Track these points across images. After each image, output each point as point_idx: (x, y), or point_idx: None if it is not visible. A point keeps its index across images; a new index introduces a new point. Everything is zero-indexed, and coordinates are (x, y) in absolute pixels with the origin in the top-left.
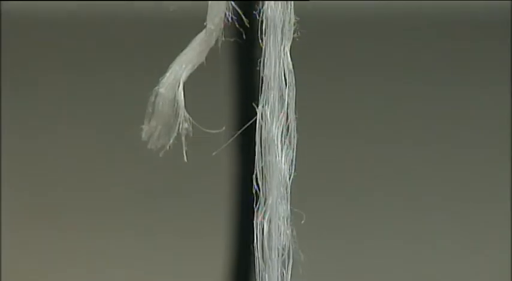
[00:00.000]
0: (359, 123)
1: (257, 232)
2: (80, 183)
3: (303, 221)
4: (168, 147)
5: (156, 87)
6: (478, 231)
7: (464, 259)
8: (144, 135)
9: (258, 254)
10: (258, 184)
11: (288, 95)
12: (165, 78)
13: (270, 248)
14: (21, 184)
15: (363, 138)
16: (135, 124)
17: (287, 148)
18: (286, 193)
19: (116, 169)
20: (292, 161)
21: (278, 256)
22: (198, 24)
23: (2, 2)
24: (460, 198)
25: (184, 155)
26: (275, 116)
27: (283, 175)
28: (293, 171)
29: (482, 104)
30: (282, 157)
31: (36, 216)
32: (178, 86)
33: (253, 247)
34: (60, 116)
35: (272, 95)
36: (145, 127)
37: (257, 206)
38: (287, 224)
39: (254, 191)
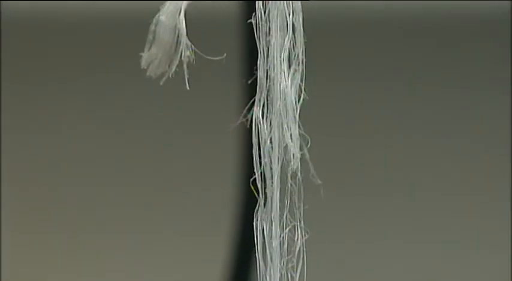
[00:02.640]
0: (358, 124)
1: (257, 233)
2: (79, 182)
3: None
4: (169, 75)
5: (157, 15)
6: (478, 231)
7: (464, 259)
8: (143, 63)
9: (258, 255)
10: (257, 186)
11: (295, 19)
12: (166, 5)
13: (270, 250)
14: (21, 184)
15: (363, 139)
16: (135, 124)
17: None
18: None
19: (116, 169)
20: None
21: (279, 257)
22: (199, 24)
23: (2, 2)
24: (460, 198)
25: (186, 83)
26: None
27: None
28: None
29: (482, 104)
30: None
31: (36, 216)
32: (179, 13)
33: (254, 248)
34: (61, 116)
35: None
36: (145, 55)
37: (257, 207)
38: (286, 225)
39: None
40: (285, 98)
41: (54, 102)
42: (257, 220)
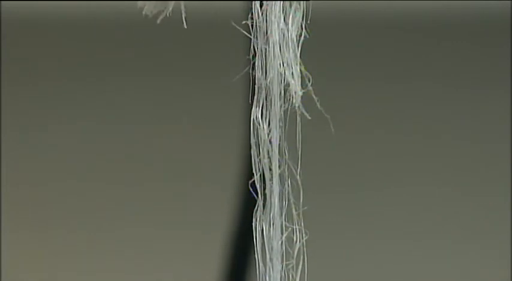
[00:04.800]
0: (359, 124)
1: (257, 234)
2: (78, 182)
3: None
4: (167, 14)
5: None
6: (478, 231)
7: (464, 259)
8: (140, 2)
9: (258, 256)
10: (256, 188)
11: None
12: None
13: (270, 251)
14: (21, 183)
15: (363, 141)
16: (135, 124)
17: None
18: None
19: (116, 169)
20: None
21: (279, 258)
22: (199, 25)
23: (2, 2)
24: (461, 197)
25: (184, 21)
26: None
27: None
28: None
29: (482, 104)
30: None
31: (35, 216)
32: None
33: (253, 249)
34: (60, 115)
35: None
36: None
37: (256, 209)
38: (285, 228)
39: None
40: (285, 35)
41: (55, 102)
42: (256, 220)
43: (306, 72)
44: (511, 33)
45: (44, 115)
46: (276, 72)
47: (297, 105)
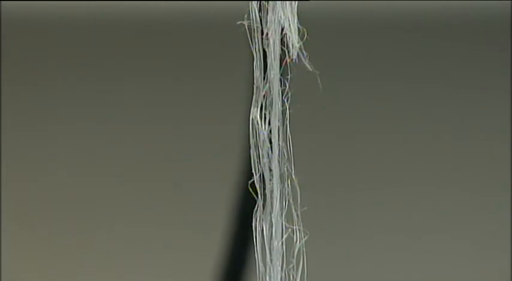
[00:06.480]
0: (358, 124)
1: (256, 235)
2: (78, 182)
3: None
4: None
5: None
6: (478, 231)
7: (464, 259)
8: None
9: (257, 257)
10: (256, 188)
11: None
12: None
13: (271, 251)
14: (21, 183)
15: (363, 141)
16: (135, 124)
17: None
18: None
19: (116, 168)
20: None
21: (279, 258)
22: (199, 25)
23: (2, 2)
24: (461, 197)
25: None
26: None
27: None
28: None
29: (482, 104)
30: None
31: (35, 216)
32: None
33: (253, 250)
34: (60, 115)
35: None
36: None
37: (256, 209)
38: (285, 224)
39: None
40: None
41: (55, 102)
42: (256, 221)
43: (302, 28)
44: (511, 33)
45: (44, 115)
46: (276, 25)
47: (294, 57)
